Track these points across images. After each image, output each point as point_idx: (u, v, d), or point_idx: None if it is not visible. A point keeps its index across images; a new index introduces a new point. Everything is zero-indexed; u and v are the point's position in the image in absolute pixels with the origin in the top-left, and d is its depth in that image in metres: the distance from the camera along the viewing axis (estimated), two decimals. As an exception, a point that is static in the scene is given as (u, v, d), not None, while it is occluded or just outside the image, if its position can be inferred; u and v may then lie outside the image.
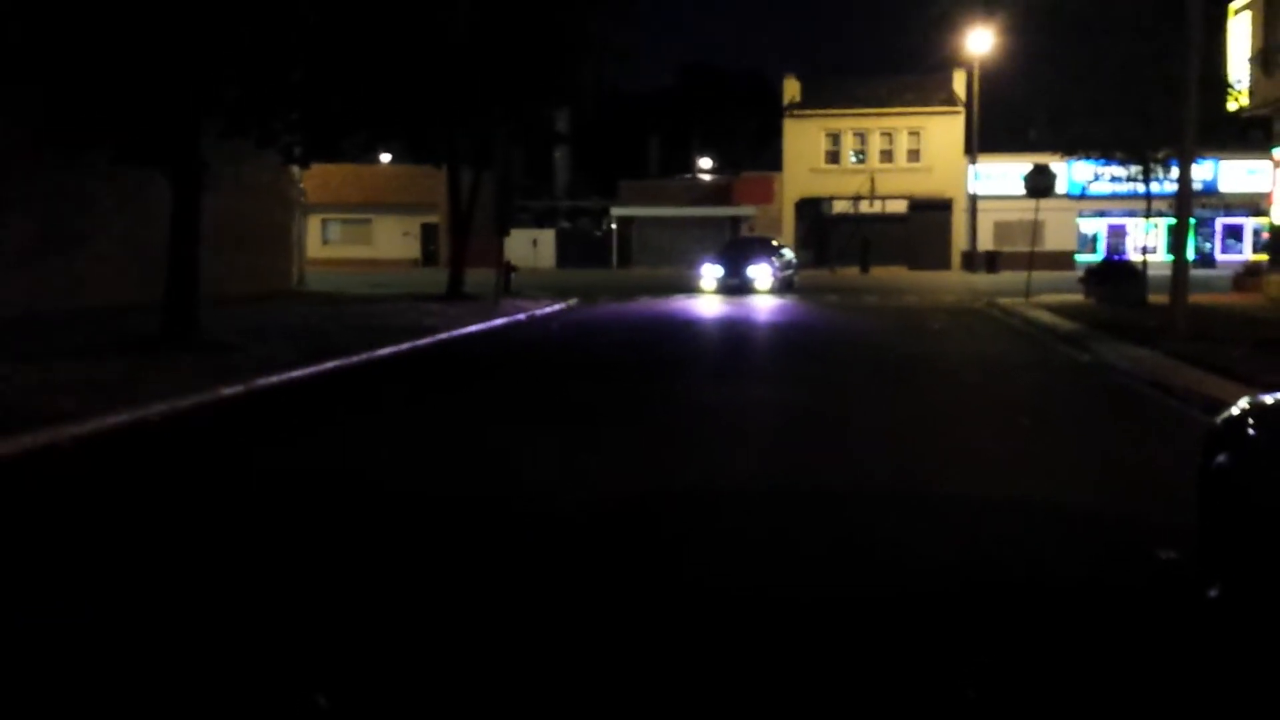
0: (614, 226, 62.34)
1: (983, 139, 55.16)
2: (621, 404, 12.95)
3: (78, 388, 12.17)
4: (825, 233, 59.25)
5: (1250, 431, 5.50)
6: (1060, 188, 38.04)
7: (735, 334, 22.20)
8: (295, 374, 14.72)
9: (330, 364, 15.78)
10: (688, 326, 23.89)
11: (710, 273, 35.50)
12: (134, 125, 16.62)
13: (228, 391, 12.99)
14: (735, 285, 34.54)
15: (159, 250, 22.41)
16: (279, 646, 5.13)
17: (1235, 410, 5.84)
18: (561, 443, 10.42)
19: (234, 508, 7.88)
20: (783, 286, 35.38)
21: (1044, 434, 11.11)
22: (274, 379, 14.14)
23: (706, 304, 30.17)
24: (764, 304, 30.00)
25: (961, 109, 56.79)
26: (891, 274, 52.38)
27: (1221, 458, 5.73)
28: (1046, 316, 24.38)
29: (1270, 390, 5.53)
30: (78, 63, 15.63)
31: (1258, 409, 5.59)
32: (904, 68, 57.76)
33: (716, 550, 6.76)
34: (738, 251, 37.76)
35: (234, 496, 8.26)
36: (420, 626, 5.39)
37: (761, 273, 34.78)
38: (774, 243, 39.62)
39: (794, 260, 40.68)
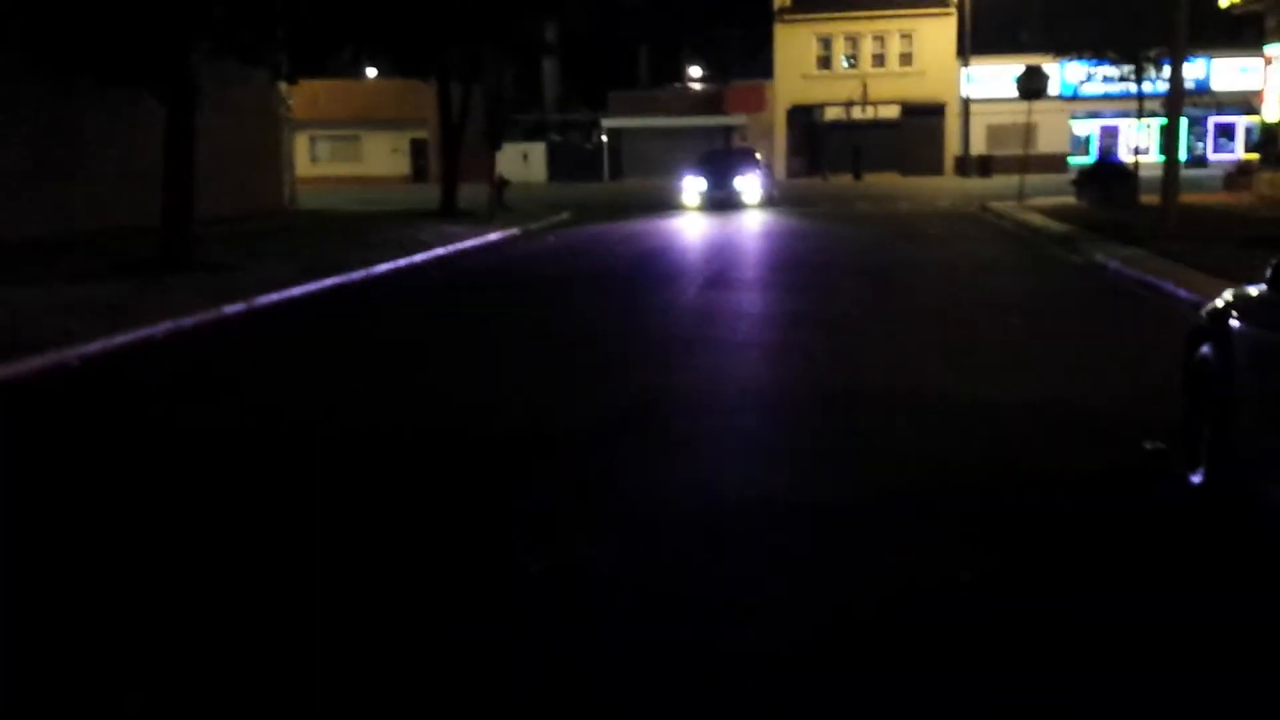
0: (604, 139, 61.94)
1: (975, 41, 54.59)
2: (620, 312, 13.12)
3: (81, 310, 12.30)
4: (818, 140, 58.83)
5: (1231, 323, 5.68)
6: (1053, 89, 37.77)
7: (729, 244, 22.27)
8: (294, 291, 14.87)
9: (329, 281, 15.92)
10: (681, 235, 23.98)
11: (693, 185, 32.92)
12: (123, 46, 16.51)
13: (230, 310, 13.15)
14: (721, 199, 32.15)
15: (150, 174, 22.36)
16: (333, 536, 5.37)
17: (1218, 303, 6.01)
18: (563, 351, 10.62)
19: (242, 415, 8.08)
20: (768, 199, 33.29)
21: (1034, 333, 11.31)
22: (274, 297, 14.29)
23: (695, 220, 28.41)
24: (755, 218, 28.35)
25: (953, 10, 56.11)
26: (885, 180, 52.19)
27: (1204, 349, 5.93)
28: (1038, 219, 24.46)
29: (1252, 284, 5.69)
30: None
31: (1238, 301, 5.76)
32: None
33: (718, 449, 6.98)
34: (721, 162, 35.51)
35: (241, 405, 8.46)
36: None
37: (749, 185, 32.53)
38: (756, 152, 37.79)
39: (770, 170, 39.10)
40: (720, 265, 18.10)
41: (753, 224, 26.68)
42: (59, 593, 4.89)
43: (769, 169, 36.47)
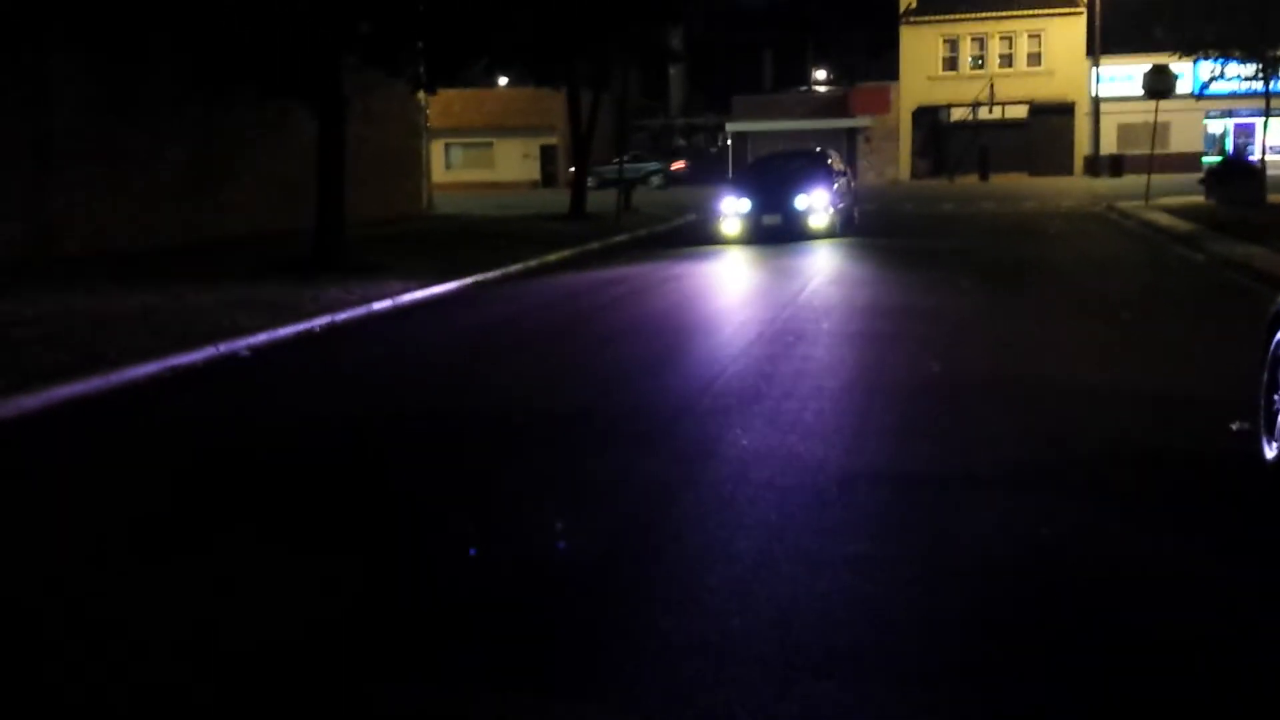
0: (728, 142, 62.58)
1: (1105, 40, 53.84)
2: (740, 303, 13.80)
3: (246, 306, 13.42)
4: (943, 141, 58.69)
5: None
6: (1185, 88, 37.27)
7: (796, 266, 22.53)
8: (436, 289, 15.89)
9: (468, 279, 16.93)
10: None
11: (733, 209, 23.14)
12: (279, 63, 17.79)
13: (378, 306, 14.20)
14: (773, 227, 22.64)
15: (298, 180, 23.77)
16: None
17: (1296, 290, 6.47)
18: (691, 339, 11.35)
19: (393, 393, 9.00)
20: (844, 222, 23.76)
21: (1145, 326, 11.69)
22: (418, 294, 15.32)
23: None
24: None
25: (1083, 10, 55.43)
26: (1012, 181, 51.83)
27: (1280, 335, 6.40)
28: (1164, 218, 24.42)
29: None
30: (226, 5, 16.78)
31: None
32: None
33: (861, 432, 7.63)
34: (775, 173, 25.13)
35: (393, 385, 9.39)
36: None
37: (815, 205, 22.63)
38: (827, 156, 25.66)
39: (852, 184, 26.85)
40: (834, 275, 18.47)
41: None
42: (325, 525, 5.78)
43: (849, 179, 26.09)
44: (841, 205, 23.68)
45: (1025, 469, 6.53)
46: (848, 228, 23.95)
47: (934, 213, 31.21)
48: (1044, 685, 3.89)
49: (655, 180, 55.45)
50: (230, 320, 12.33)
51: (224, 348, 11.14)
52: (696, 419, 7.78)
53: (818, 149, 27.65)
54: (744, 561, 5.05)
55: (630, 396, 8.73)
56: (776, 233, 22.52)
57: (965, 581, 4.82)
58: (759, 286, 16.56)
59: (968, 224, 26.62)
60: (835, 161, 25.40)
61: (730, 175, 28.06)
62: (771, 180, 24.17)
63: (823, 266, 18.23)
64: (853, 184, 26.35)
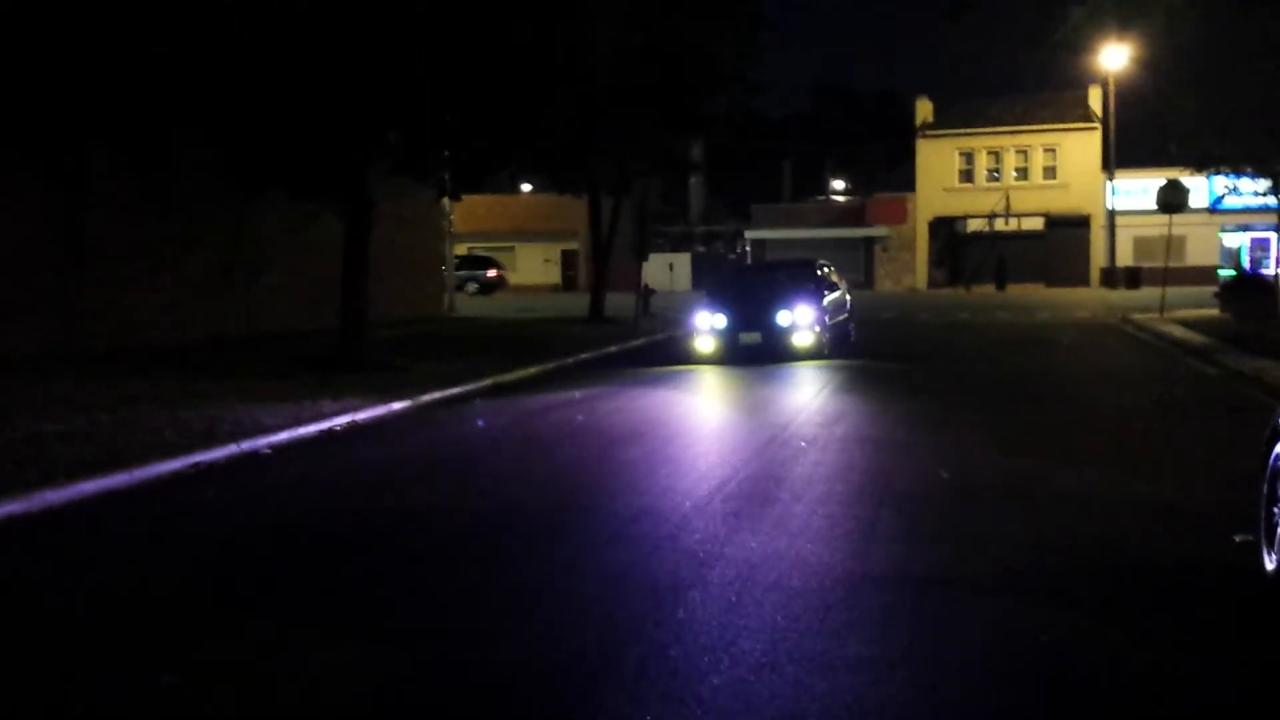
0: (747, 249, 63.35)
1: (1120, 154, 54.59)
2: (751, 399, 13.98)
3: (269, 404, 13.68)
4: (960, 251, 59.35)
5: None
6: (1200, 202, 37.76)
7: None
8: (454, 390, 16.14)
9: (486, 381, 17.19)
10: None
11: (707, 324, 20.65)
12: (309, 168, 18.33)
13: (397, 406, 14.44)
14: (751, 346, 20.23)
15: (322, 280, 24.16)
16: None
17: (1291, 407, 6.63)
18: (702, 438, 11.50)
19: (407, 489, 9.17)
20: (836, 341, 21.43)
21: (1154, 438, 11.80)
22: (437, 395, 15.57)
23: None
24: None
25: (1098, 125, 56.38)
26: (1028, 291, 52.24)
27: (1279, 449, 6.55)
28: (1178, 331, 24.62)
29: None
30: (259, 114, 17.34)
31: (1307, 404, 6.38)
32: (1038, 85, 57.49)
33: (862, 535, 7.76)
34: (755, 285, 22.86)
35: (408, 481, 9.57)
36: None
37: (799, 321, 20.12)
38: (818, 267, 23.14)
39: (848, 298, 23.87)
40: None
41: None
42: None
43: (843, 292, 23.35)
44: (832, 322, 21.09)
45: (1028, 576, 6.64)
46: (840, 347, 21.37)
47: (948, 321, 31.49)
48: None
49: (471, 287, 54.36)
50: (252, 419, 12.56)
51: (246, 445, 11.36)
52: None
53: (807, 259, 25.65)
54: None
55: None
56: (755, 353, 19.96)
57: (965, 684, 4.93)
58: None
59: (980, 334, 26.86)
60: (827, 272, 22.83)
61: (709, 286, 24.90)
62: (752, 293, 21.61)
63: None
64: (848, 298, 23.60)
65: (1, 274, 19.25)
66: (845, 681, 4.94)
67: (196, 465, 10.49)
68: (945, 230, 59.44)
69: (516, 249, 63.56)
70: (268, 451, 11.43)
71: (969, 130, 58.36)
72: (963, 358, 21.18)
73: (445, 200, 32.22)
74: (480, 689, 4.96)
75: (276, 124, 17.28)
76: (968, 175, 58.84)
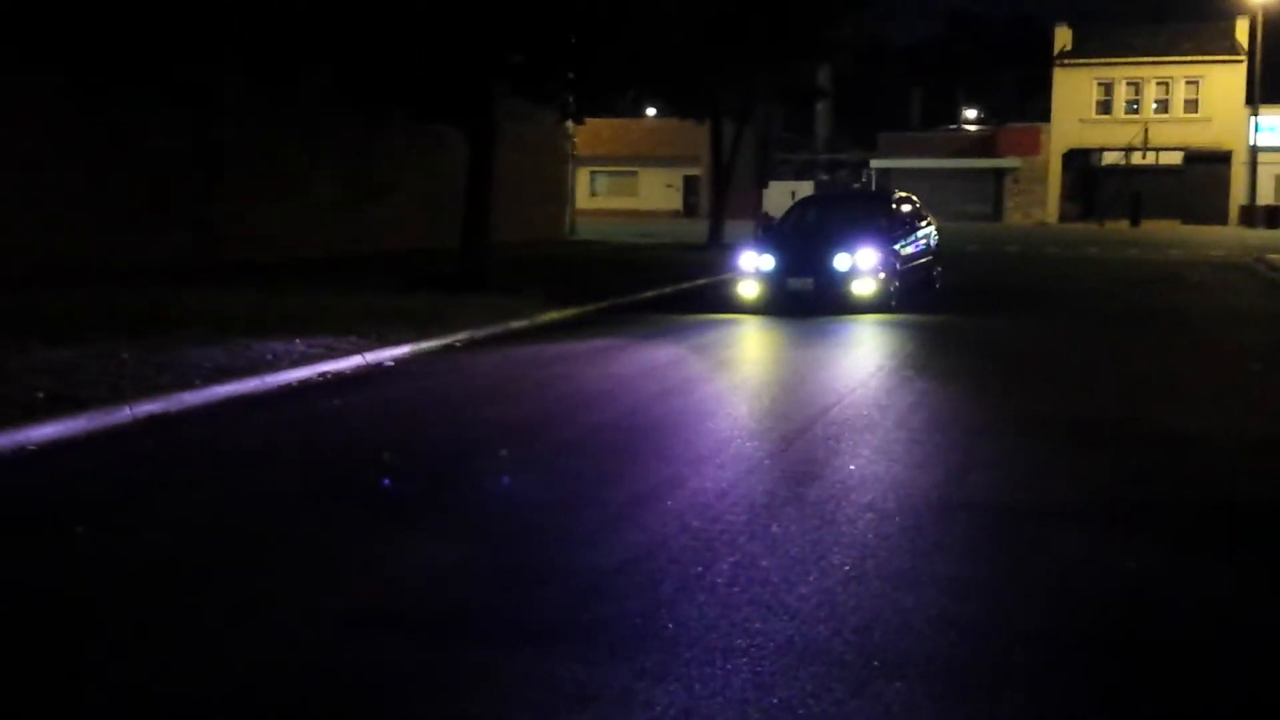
0: (872, 178, 62.50)
1: (1266, 89, 52.37)
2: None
3: (391, 320, 14.16)
4: (1094, 185, 57.77)
5: None
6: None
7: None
8: (570, 311, 16.49)
9: (603, 303, 17.51)
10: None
11: (753, 265, 17.56)
12: (434, 89, 18.69)
13: (515, 324, 14.86)
14: (802, 293, 17.13)
15: (444, 201, 24.65)
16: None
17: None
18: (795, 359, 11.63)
19: (525, 399, 9.53)
20: (911, 289, 18.27)
21: (1271, 378, 11.59)
22: (554, 315, 15.95)
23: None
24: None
25: (1243, 58, 54.07)
26: (1163, 228, 50.69)
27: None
28: (1315, 272, 23.81)
29: None
30: (385, 35, 17.71)
31: None
32: (1181, 15, 55.32)
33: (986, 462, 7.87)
34: (815, 220, 19.77)
35: (522, 394, 9.94)
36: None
37: (861, 265, 16.78)
38: (894, 200, 19.71)
39: (933, 237, 20.28)
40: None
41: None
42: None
43: (923, 231, 19.70)
44: (906, 267, 18.00)
45: (1125, 510, 6.70)
46: (917, 296, 18.29)
47: (1075, 256, 30.84)
48: (1095, 694, 4.16)
49: None
50: (376, 333, 13.05)
51: (369, 357, 11.85)
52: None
53: (883, 190, 22.23)
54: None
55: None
56: (805, 301, 16.96)
57: (1045, 606, 5.08)
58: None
59: (1106, 271, 26.31)
60: (905, 208, 19.48)
61: (763, 225, 21.32)
62: (809, 231, 18.98)
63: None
64: (933, 237, 20.19)
65: (138, 188, 20.06)
66: (928, 596, 5.13)
67: (324, 375, 11.00)
68: (1079, 163, 57.84)
69: (639, 174, 63.62)
70: (390, 364, 11.90)
71: (1109, 60, 56.45)
72: (1081, 309, 20.73)
73: (568, 123, 32.45)
74: (574, 590, 5.25)
75: (402, 45, 17.65)
76: (1105, 106, 57.04)
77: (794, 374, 12.02)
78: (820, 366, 12.47)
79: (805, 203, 21.03)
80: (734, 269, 18.42)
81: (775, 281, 17.23)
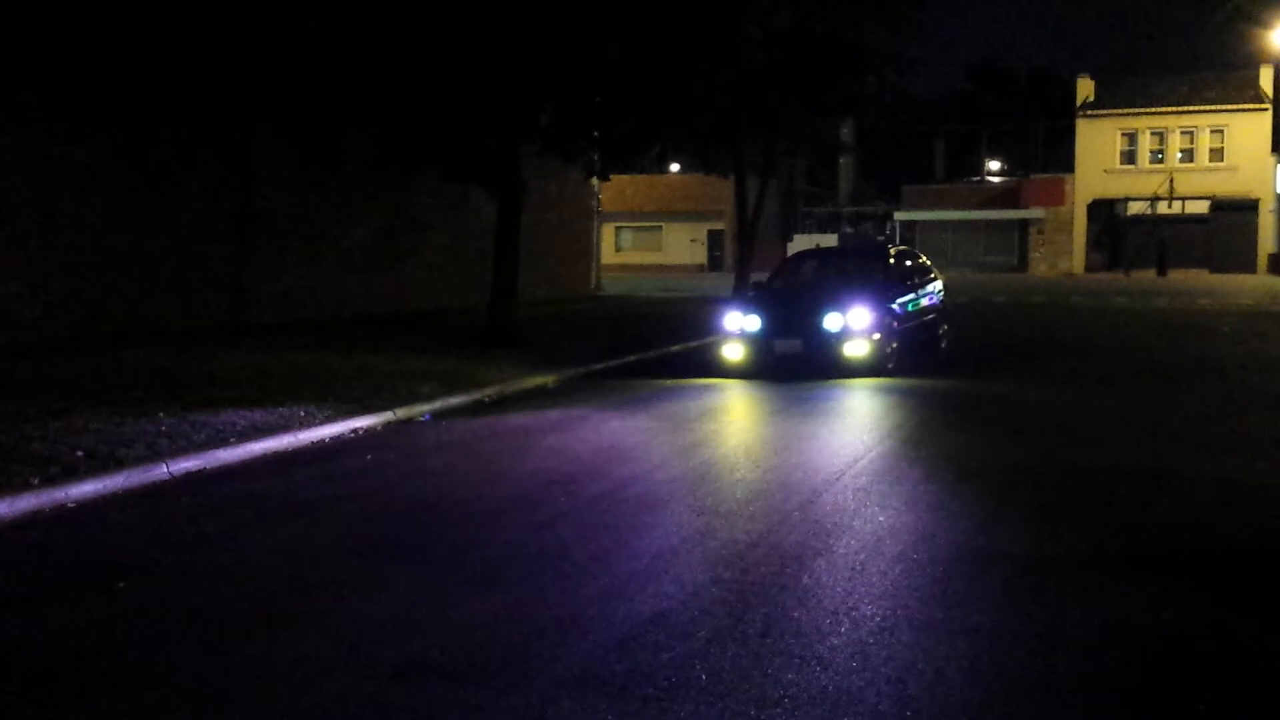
0: (896, 230, 62.69)
1: (1292, 136, 52.42)
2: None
3: (423, 377, 14.31)
4: (1120, 235, 57.73)
5: None
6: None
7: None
8: (596, 366, 16.62)
9: (629, 358, 17.64)
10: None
11: (737, 325, 16.25)
12: (463, 151, 18.98)
13: (541, 380, 14.97)
14: (791, 356, 15.81)
15: (472, 259, 24.89)
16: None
17: None
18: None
19: (554, 455, 9.60)
20: (912, 349, 16.82)
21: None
22: (580, 370, 16.07)
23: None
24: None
25: (1268, 106, 54.16)
26: (1191, 277, 50.58)
27: None
28: (1346, 320, 23.69)
29: None
30: (417, 96, 18.04)
31: None
32: (1204, 65, 55.49)
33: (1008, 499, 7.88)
34: (807, 277, 18.67)
35: (552, 450, 10.01)
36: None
37: (855, 322, 15.51)
38: (892, 255, 18.46)
39: (938, 294, 18.84)
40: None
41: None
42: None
43: (927, 286, 18.29)
44: (905, 326, 16.56)
45: (1155, 555, 6.70)
46: (918, 357, 16.99)
47: (1103, 306, 30.79)
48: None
49: None
50: (409, 389, 13.20)
51: (400, 413, 11.99)
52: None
53: (881, 242, 19.65)
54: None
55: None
56: (794, 364, 15.64)
57: (1081, 657, 5.08)
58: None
59: (1133, 320, 26.25)
60: (905, 262, 18.20)
61: (752, 283, 20.16)
62: (800, 289, 17.68)
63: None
64: (938, 294, 18.71)
65: (175, 251, 20.38)
66: (961, 647, 5.15)
67: (355, 430, 11.13)
68: (1104, 213, 57.87)
69: (663, 229, 64.04)
70: (423, 419, 12.03)
71: (1132, 110, 56.62)
72: (1110, 360, 20.69)
73: (593, 180, 32.77)
74: (604, 643, 5.28)
75: (433, 105, 17.97)
76: (1130, 156, 57.12)
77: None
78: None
79: (798, 258, 19.77)
80: (719, 330, 16.82)
81: (762, 343, 15.88)
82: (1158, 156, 56.58)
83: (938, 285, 18.98)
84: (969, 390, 14.53)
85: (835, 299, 15.90)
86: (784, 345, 15.79)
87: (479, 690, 4.73)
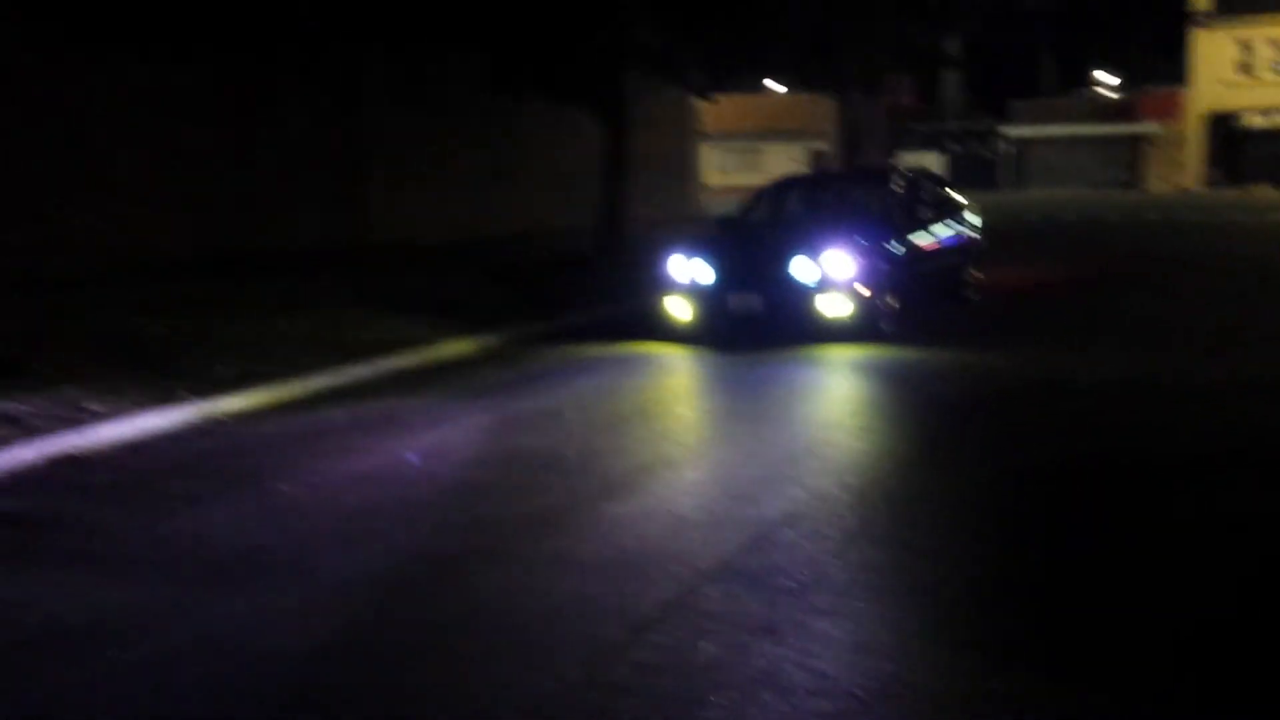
0: (1003, 147, 61.49)
1: None
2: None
3: (536, 299, 14.83)
4: (1238, 149, 55.92)
5: None
6: None
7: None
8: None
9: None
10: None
11: (686, 275, 12.17)
12: (569, 73, 19.30)
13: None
14: (748, 315, 11.93)
15: (576, 180, 25.27)
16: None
17: None
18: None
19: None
20: (920, 303, 12.80)
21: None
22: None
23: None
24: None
25: (1400, 9, 51.77)
26: (1311, 193, 48.91)
27: None
28: None
29: None
30: (522, 20, 18.36)
31: None
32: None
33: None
34: (783, 214, 14.39)
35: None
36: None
37: (834, 270, 11.47)
38: (896, 180, 13.79)
39: (967, 226, 14.58)
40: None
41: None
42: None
43: (926, 223, 13.24)
44: (912, 273, 12.50)
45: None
46: (941, 311, 13.49)
47: (1214, 222, 30.08)
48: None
49: None
50: (518, 312, 13.76)
51: (519, 331, 12.59)
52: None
53: (881, 166, 15.54)
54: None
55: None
56: (754, 326, 11.98)
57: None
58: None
59: (1248, 235, 25.69)
60: (914, 190, 13.63)
61: (715, 218, 15.41)
62: (771, 227, 13.81)
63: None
64: (964, 230, 14.48)
65: (291, 175, 21.10)
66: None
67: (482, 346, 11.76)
68: (1222, 127, 56.04)
69: (763, 149, 63.62)
70: (538, 338, 12.58)
71: (1250, 19, 54.51)
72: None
73: (694, 101, 32.86)
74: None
75: (537, 28, 18.29)
76: (1247, 68, 55.13)
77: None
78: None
79: (780, 186, 15.14)
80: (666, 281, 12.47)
81: (713, 298, 12.00)
82: (1278, 68, 54.54)
83: (967, 218, 14.72)
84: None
85: (808, 238, 11.97)
86: (739, 301, 11.88)
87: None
